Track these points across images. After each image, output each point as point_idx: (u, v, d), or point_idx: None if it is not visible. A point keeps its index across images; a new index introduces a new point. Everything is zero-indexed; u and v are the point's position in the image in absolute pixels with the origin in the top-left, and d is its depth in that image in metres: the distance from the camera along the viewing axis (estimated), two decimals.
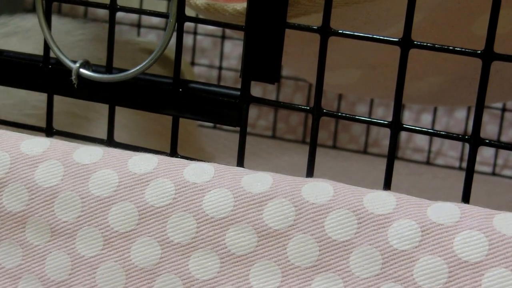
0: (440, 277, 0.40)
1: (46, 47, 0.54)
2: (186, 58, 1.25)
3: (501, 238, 0.40)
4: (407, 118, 1.22)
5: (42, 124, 0.55)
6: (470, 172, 0.46)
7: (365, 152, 1.23)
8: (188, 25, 1.26)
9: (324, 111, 0.49)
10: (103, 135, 0.54)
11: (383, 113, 1.23)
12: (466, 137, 0.46)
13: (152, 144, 0.55)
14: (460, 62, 0.68)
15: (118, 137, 0.54)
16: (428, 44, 0.46)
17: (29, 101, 0.66)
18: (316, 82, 0.48)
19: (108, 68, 0.53)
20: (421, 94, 0.77)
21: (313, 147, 0.49)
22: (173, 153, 0.52)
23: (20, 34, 0.67)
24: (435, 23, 0.64)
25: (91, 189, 0.46)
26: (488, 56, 0.45)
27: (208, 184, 0.45)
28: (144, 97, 0.52)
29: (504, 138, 1.19)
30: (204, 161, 0.48)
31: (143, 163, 0.46)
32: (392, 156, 0.48)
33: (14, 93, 0.65)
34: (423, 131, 0.48)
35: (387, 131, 1.27)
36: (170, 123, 0.52)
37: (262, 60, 0.49)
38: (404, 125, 0.47)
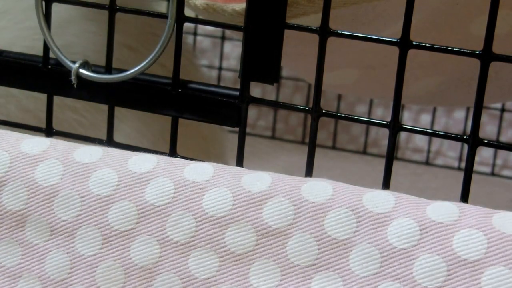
0: (439, 275, 0.41)
1: (46, 48, 0.54)
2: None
3: (500, 236, 0.40)
4: (406, 119, 1.22)
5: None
6: (469, 172, 0.46)
7: (364, 152, 1.23)
8: (188, 25, 1.26)
9: (323, 111, 0.49)
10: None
11: (383, 114, 1.24)
12: (465, 137, 0.46)
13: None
14: (458, 62, 0.68)
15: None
16: (427, 45, 0.46)
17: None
18: (315, 82, 0.48)
19: (108, 68, 0.53)
20: (420, 94, 0.77)
21: (312, 147, 0.49)
22: (173, 153, 0.52)
23: None
24: (433, 23, 0.64)
25: (91, 188, 0.46)
26: (486, 56, 0.45)
27: (208, 183, 0.45)
28: (144, 98, 0.52)
29: (503, 139, 1.19)
30: (204, 161, 0.48)
31: (143, 162, 0.46)
32: (391, 156, 0.48)
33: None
34: (422, 131, 0.48)
35: (386, 132, 1.27)
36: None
37: (261, 60, 0.49)
38: (403, 125, 0.47)
